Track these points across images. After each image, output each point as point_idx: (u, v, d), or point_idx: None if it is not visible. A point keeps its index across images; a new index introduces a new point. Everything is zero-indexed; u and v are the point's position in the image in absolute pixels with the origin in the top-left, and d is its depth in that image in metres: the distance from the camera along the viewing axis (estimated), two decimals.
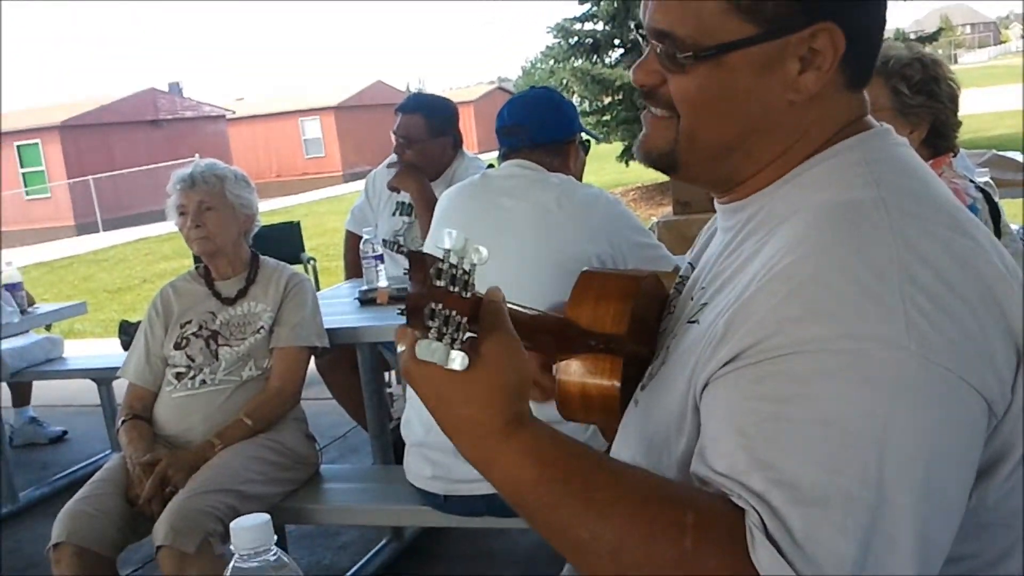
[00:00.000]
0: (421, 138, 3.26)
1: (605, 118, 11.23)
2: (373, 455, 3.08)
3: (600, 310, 0.98)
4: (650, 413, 0.95)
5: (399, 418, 3.19)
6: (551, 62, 11.45)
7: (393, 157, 3.38)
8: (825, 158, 0.90)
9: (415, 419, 2.18)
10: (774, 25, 0.85)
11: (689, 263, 1.12)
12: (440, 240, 0.75)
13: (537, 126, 2.21)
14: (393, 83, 41.79)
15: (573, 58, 11.03)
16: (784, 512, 0.71)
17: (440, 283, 0.74)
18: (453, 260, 0.74)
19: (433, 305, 0.73)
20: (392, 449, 3.07)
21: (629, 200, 10.52)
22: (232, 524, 0.90)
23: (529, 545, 3.00)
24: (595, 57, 11.05)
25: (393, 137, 3.32)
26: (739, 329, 0.79)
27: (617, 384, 0.96)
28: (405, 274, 1.02)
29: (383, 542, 3.07)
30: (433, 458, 2.14)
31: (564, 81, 11.16)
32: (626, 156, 11.14)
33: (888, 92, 1.80)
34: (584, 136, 2.29)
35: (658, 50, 0.90)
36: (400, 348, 0.82)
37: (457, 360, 0.75)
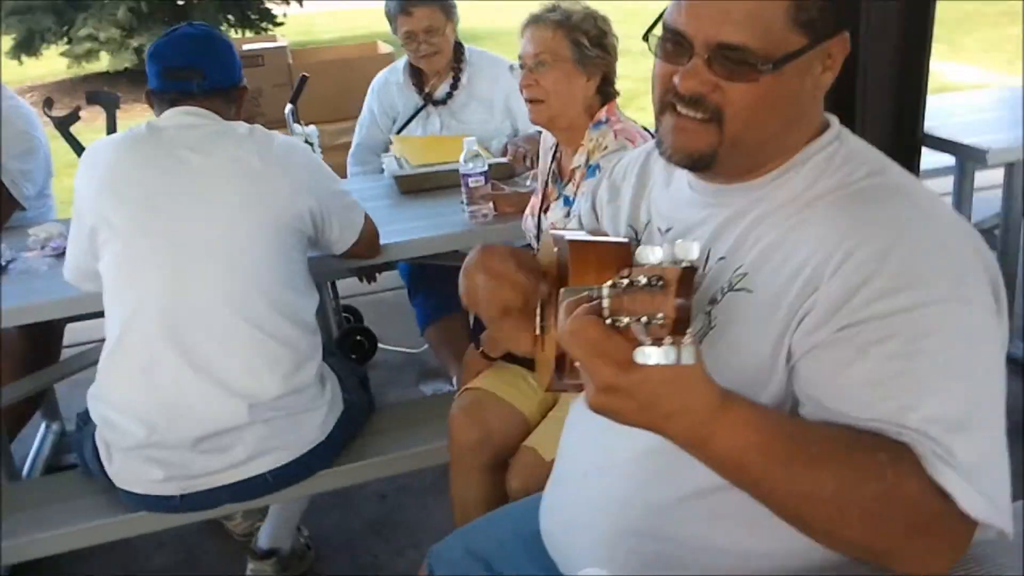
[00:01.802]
0: None
1: None
2: None
3: (604, 280, 0.95)
4: (716, 373, 1.07)
5: None
6: None
7: None
8: (822, 147, 1.08)
9: (126, 421, 1.85)
10: (820, 35, 1.01)
11: (630, 225, 1.25)
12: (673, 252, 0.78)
13: (214, 69, 1.95)
14: None
15: None
16: (945, 440, 0.91)
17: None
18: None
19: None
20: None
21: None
22: None
23: None
24: None
25: None
26: (841, 305, 0.95)
27: None
28: None
29: None
30: (163, 458, 1.86)
31: None
32: (19, 52, 9.67)
33: (569, 44, 1.97)
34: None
35: (718, 61, 0.99)
36: (600, 370, 0.82)
37: (692, 350, 0.77)
